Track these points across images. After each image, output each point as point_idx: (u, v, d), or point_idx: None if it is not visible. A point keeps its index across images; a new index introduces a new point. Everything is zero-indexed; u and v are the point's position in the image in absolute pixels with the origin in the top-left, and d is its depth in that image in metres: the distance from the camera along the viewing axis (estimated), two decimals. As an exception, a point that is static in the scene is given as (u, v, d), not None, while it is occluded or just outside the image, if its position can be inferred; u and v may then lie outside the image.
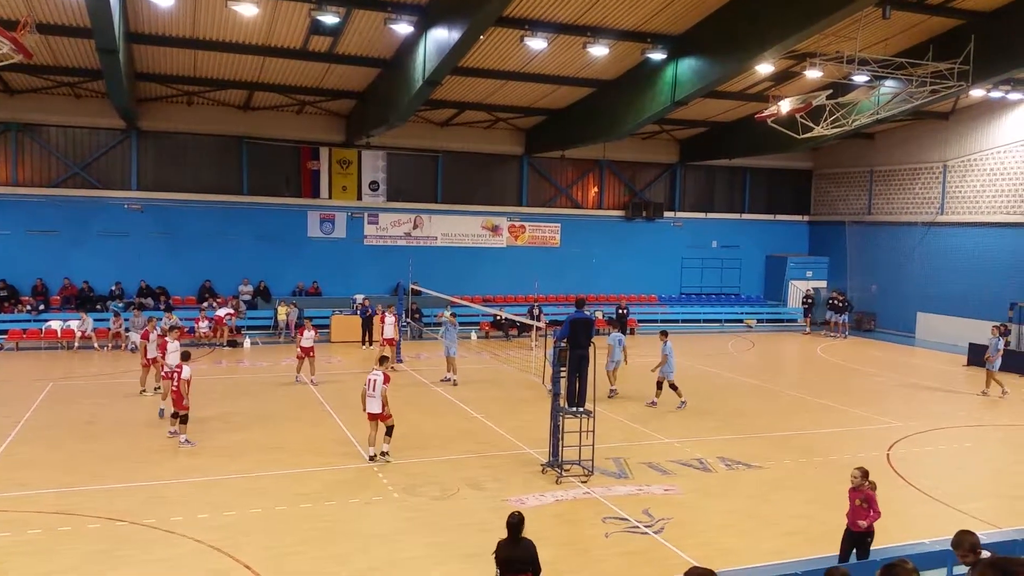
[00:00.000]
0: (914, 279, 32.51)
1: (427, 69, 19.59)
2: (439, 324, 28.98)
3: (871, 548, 9.15)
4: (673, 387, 18.51)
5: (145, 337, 18.70)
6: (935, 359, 27.42)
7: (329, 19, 18.71)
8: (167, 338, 17.06)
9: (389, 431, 13.73)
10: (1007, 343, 26.50)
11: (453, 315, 21.43)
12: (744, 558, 10.04)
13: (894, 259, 33.50)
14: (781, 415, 18.32)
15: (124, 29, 19.22)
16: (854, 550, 9.17)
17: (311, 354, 20.13)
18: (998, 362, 21.11)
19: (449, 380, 20.54)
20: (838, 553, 9.28)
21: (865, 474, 9.24)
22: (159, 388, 17.36)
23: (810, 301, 34.56)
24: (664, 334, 18.98)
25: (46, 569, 9.30)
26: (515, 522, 7.37)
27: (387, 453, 13.79)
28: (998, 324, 23.81)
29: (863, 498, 9.09)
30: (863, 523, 9.06)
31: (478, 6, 16.25)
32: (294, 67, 24.33)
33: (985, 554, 6.54)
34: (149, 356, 18.31)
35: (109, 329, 25.17)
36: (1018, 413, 19.27)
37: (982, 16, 20.83)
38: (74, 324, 24.98)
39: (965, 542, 6.43)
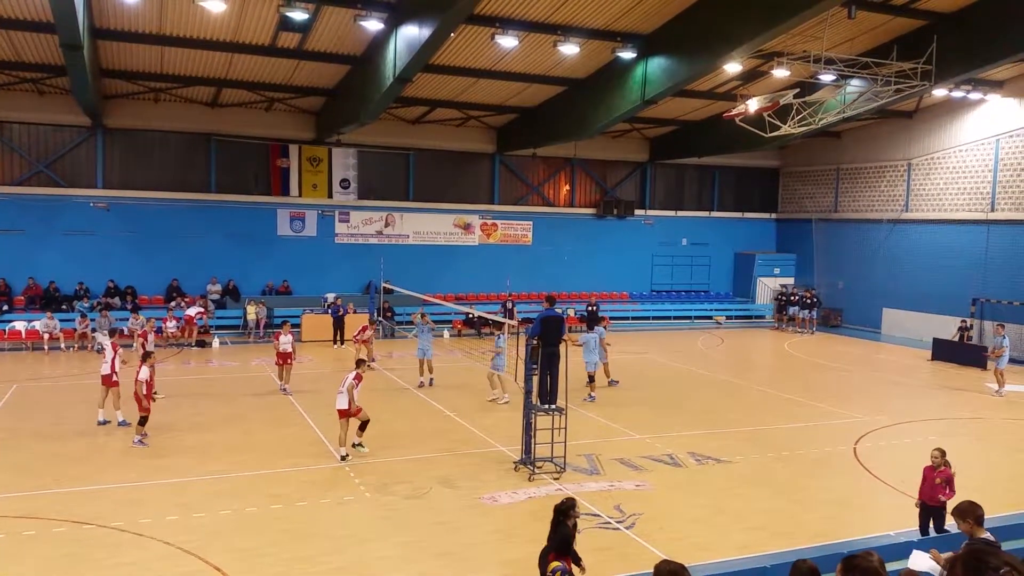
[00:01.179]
0: (879, 275, 33.04)
1: (398, 66, 19.52)
2: (412, 323, 28.97)
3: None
4: (592, 378, 19.16)
5: (143, 337, 18.22)
6: (900, 354, 27.90)
7: (298, 15, 18.56)
8: (115, 340, 16.46)
9: (363, 426, 13.83)
10: (968, 337, 27.14)
11: (425, 315, 21.11)
12: (714, 552, 10.16)
13: (860, 256, 34.02)
14: (750, 410, 18.54)
15: (88, 24, 18.91)
16: (930, 524, 10.20)
17: (288, 360, 19.03)
18: (1005, 359, 21.05)
19: (424, 384, 20.11)
20: (821, 545, 9.42)
21: (943, 454, 10.21)
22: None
23: (783, 298, 35.08)
24: (591, 328, 20.49)
25: (10, 574, 9.14)
26: (557, 507, 7.71)
27: (360, 444, 13.90)
28: (1000, 324, 23.76)
29: (944, 478, 10.04)
30: (942, 498, 10.02)
31: (448, 3, 16.22)
32: (263, 64, 24.10)
33: (986, 534, 6.79)
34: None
35: (75, 330, 24.75)
36: (980, 406, 19.67)
37: (944, 17, 21.24)
38: (39, 325, 24.54)
39: (961, 509, 7.07)
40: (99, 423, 15.58)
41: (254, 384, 19.93)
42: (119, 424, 15.48)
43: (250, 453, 14.01)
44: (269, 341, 22.27)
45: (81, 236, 27.63)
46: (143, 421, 14.31)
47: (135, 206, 28.26)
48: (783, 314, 34.55)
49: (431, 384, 20.09)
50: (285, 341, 19.01)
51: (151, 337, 18.48)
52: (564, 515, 7.69)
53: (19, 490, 11.84)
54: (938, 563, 6.86)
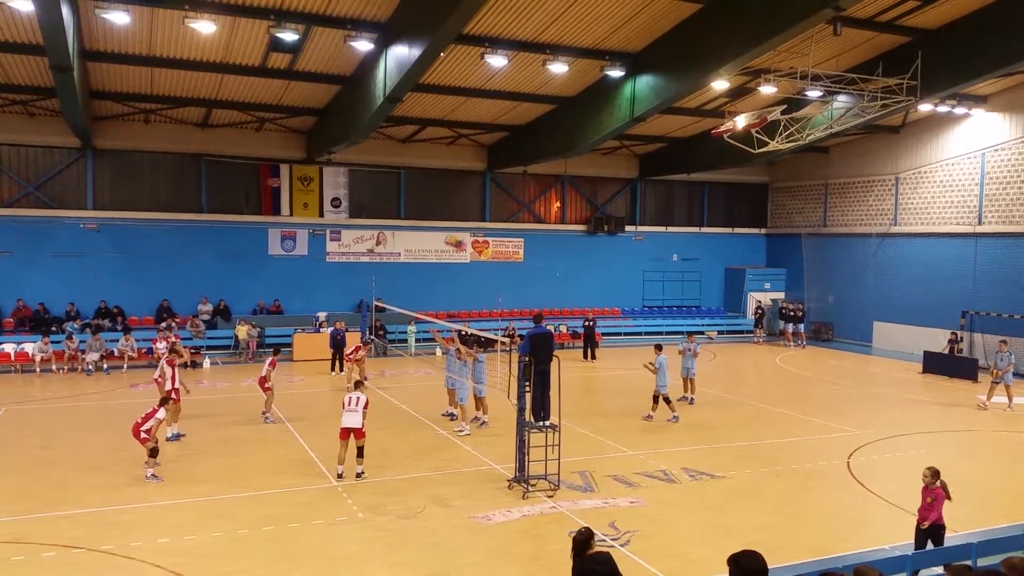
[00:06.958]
0: (869, 289, 33.22)
1: (388, 86, 19.61)
2: (405, 341, 28.90)
3: (944, 537, 9.71)
4: (667, 400, 18.75)
5: (171, 364, 16.91)
6: (891, 367, 27.98)
7: (288, 36, 18.66)
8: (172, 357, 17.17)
9: (360, 451, 13.68)
10: (959, 349, 27.25)
11: (453, 340, 18.34)
12: (709, 568, 10.11)
13: (850, 269, 34.21)
14: (743, 425, 18.54)
15: (78, 47, 18.94)
16: (928, 543, 9.67)
17: (262, 385, 17.98)
18: (1010, 375, 20.74)
19: (454, 416, 18.31)
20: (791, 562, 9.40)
21: (936, 474, 9.76)
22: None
23: (760, 312, 35.21)
24: (658, 347, 19.50)
25: (0, 600, 9.05)
26: (581, 539, 6.86)
27: (362, 473, 13.69)
28: (1004, 339, 23.14)
29: (933, 496, 9.66)
30: (930, 517, 9.60)
31: (438, 24, 16.33)
32: (253, 84, 24.17)
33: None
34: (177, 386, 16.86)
35: (64, 351, 24.55)
36: (970, 419, 19.72)
37: (928, 33, 21.50)
38: (29, 347, 24.35)
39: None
40: (168, 438, 15.84)
41: (245, 405, 19.78)
42: (168, 439, 15.58)
43: (242, 474, 13.90)
44: (260, 361, 22.09)
45: (71, 257, 27.53)
46: (154, 452, 13.67)
47: (125, 227, 28.20)
48: (760, 328, 34.87)
49: (484, 424, 17.93)
50: (266, 364, 18.25)
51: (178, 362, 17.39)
52: (582, 547, 6.81)
53: (7, 514, 11.70)
54: None
